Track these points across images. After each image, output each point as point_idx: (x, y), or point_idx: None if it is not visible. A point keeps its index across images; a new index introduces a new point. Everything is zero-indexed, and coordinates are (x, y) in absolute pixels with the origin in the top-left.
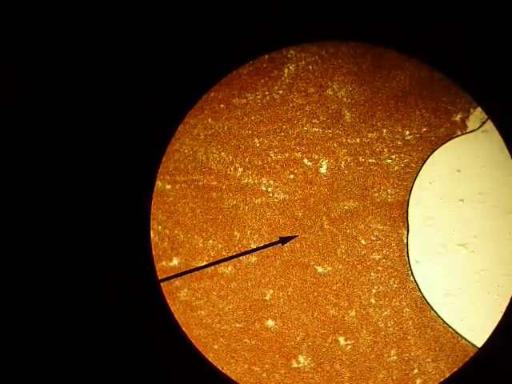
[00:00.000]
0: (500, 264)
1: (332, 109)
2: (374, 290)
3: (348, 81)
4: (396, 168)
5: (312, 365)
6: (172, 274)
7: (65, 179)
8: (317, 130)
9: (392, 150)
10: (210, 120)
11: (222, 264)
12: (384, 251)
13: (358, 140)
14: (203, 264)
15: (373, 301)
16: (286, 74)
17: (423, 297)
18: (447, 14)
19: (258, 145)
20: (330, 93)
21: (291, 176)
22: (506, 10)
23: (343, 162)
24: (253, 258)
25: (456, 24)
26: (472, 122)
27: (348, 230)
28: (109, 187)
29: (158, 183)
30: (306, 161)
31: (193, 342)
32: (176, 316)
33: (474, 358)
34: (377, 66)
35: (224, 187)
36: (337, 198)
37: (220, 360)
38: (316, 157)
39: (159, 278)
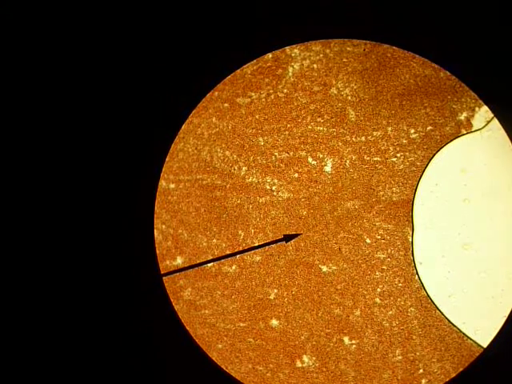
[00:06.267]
0: (504, 264)
1: (337, 107)
2: (378, 290)
3: (352, 79)
4: (401, 166)
5: (316, 364)
6: (173, 269)
7: (69, 179)
8: (321, 128)
9: (397, 149)
10: (214, 119)
11: (226, 263)
12: (389, 250)
13: (362, 138)
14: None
15: (378, 300)
16: (290, 73)
17: (428, 296)
18: (453, 12)
19: (262, 144)
20: (335, 91)
21: (296, 175)
22: (511, 8)
23: (348, 161)
24: (257, 257)
25: (461, 22)
26: (477, 121)
27: (353, 229)
28: (113, 186)
29: (162, 182)
30: (310, 159)
31: (197, 341)
32: (180, 315)
33: (480, 358)
34: (381, 64)
35: (228, 186)
36: (341, 196)
37: (224, 359)
38: (321, 155)
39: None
